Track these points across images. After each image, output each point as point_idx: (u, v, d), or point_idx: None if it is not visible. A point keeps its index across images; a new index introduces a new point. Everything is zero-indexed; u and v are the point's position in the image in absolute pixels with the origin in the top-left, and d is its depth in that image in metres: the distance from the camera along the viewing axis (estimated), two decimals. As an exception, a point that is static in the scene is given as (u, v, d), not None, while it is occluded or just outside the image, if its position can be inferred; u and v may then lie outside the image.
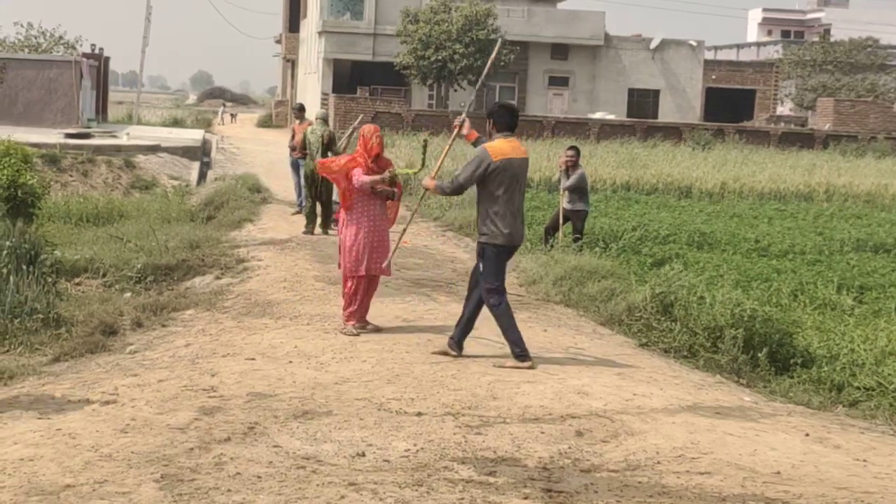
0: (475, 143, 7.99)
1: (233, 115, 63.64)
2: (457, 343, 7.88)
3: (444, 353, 7.82)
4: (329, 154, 15.67)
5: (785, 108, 55.19)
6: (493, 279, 7.66)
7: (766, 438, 6.00)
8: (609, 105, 46.30)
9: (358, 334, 8.53)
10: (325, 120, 16.09)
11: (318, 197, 15.42)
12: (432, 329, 8.82)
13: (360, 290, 8.69)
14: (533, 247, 14.24)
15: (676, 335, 8.88)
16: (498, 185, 7.56)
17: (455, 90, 42.31)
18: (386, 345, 8.16)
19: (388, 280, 9.61)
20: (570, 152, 14.39)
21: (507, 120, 7.77)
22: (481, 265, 7.69)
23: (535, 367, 7.51)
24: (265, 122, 57.85)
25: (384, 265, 8.66)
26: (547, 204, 18.98)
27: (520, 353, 7.60)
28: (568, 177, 14.15)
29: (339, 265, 8.91)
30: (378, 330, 8.71)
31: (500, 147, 7.61)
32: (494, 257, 7.65)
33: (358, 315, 8.71)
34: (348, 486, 4.88)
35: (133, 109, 43.85)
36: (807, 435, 6.20)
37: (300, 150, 16.18)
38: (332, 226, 15.31)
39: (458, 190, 7.78)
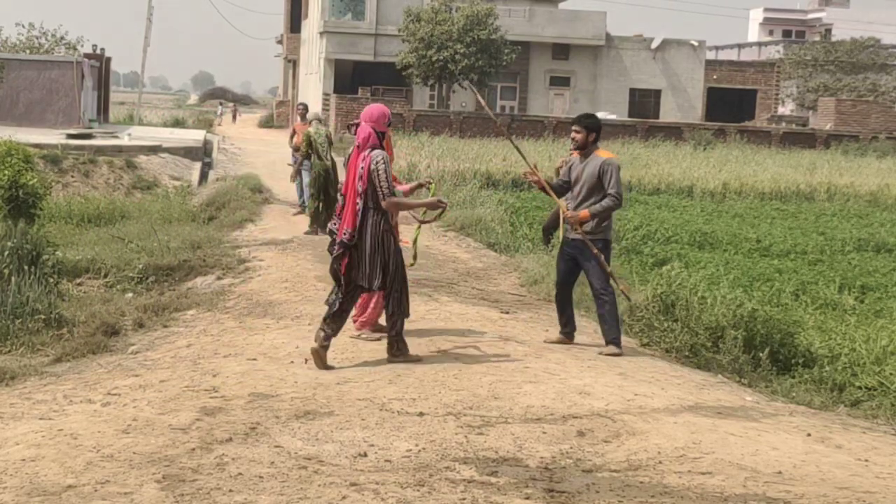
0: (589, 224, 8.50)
1: (234, 114, 63.51)
2: (619, 340, 8.42)
3: (616, 355, 8.25)
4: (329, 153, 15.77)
5: (786, 108, 55.15)
6: (606, 271, 8.37)
7: (768, 438, 5.99)
8: (610, 105, 46.30)
9: (378, 339, 8.48)
10: (320, 120, 16.40)
11: (320, 196, 15.43)
12: (434, 329, 8.82)
13: (375, 298, 8.64)
14: (534, 246, 14.25)
15: (678, 335, 8.88)
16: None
17: (454, 91, 42.31)
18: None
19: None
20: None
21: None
22: (601, 258, 8.33)
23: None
24: (267, 123, 57.87)
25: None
26: (548, 204, 18.98)
27: (618, 339, 8.36)
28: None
29: None
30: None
31: (616, 158, 8.59)
32: (608, 251, 8.53)
33: (371, 322, 8.66)
34: (350, 487, 4.88)
35: (134, 110, 43.84)
36: (808, 435, 6.19)
37: (304, 152, 16.18)
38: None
39: (621, 200, 8.47)
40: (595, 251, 8.29)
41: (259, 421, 6.00)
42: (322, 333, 7.45)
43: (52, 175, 20.71)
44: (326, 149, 15.55)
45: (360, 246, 7.42)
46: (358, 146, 7.46)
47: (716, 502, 4.87)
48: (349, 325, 8.77)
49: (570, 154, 14.32)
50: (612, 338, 8.33)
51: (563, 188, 8.64)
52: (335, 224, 7.64)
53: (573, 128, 8.56)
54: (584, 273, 8.51)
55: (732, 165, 29.02)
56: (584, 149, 8.43)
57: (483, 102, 9.57)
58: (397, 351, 7.63)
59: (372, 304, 8.61)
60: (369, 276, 7.48)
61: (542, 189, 8.66)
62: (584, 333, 9.29)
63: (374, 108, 7.62)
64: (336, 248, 7.52)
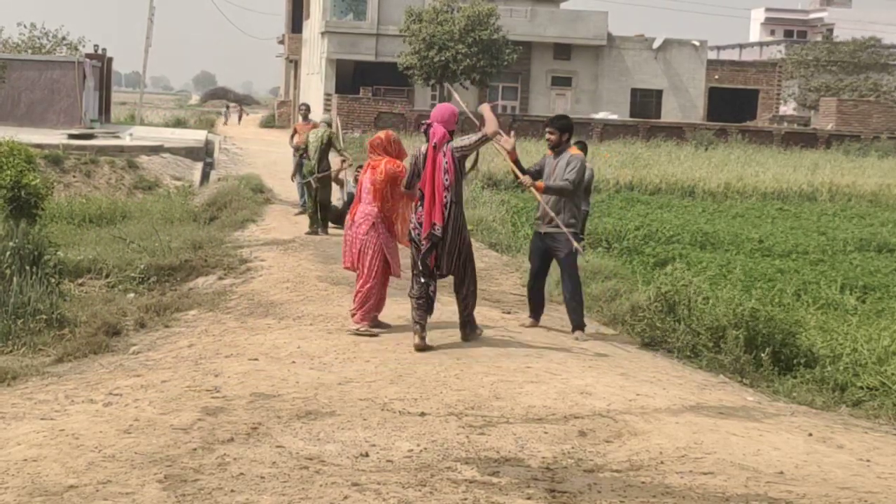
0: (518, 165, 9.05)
1: (240, 115, 63.53)
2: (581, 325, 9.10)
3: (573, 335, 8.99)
4: (328, 155, 15.65)
5: (788, 108, 55.12)
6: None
7: (770, 438, 5.99)
8: (612, 105, 46.25)
9: (377, 335, 8.49)
10: (328, 124, 16.18)
11: (316, 198, 15.40)
12: (435, 328, 8.81)
13: (375, 293, 8.66)
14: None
15: (680, 335, 8.88)
16: (586, 185, 9.62)
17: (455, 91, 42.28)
18: (389, 345, 8.16)
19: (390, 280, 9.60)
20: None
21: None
22: (578, 247, 8.99)
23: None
24: (268, 123, 57.88)
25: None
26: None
27: (583, 324, 9.11)
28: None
29: (352, 266, 8.82)
30: (388, 327, 8.71)
31: (583, 154, 9.17)
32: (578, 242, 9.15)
33: (370, 316, 8.66)
34: (351, 487, 4.88)
35: (136, 110, 43.88)
36: (810, 435, 6.19)
37: (300, 152, 16.17)
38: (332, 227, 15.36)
39: (577, 188, 8.90)
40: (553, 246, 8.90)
41: (261, 421, 6.01)
42: (418, 327, 7.96)
43: (54, 175, 20.72)
44: (317, 150, 15.40)
45: (443, 237, 7.94)
46: (434, 146, 7.96)
47: (717, 502, 4.87)
48: (348, 321, 8.78)
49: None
50: (578, 324, 9.05)
51: (533, 176, 9.06)
52: (415, 226, 8.07)
53: (547, 129, 9.14)
54: (556, 262, 9.20)
55: (734, 165, 29.00)
56: (558, 147, 9.00)
57: (460, 101, 9.62)
58: (470, 331, 8.22)
59: (372, 299, 8.62)
60: (446, 265, 8.03)
61: (511, 161, 8.96)
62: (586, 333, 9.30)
63: (444, 110, 8.21)
64: (425, 242, 7.95)
